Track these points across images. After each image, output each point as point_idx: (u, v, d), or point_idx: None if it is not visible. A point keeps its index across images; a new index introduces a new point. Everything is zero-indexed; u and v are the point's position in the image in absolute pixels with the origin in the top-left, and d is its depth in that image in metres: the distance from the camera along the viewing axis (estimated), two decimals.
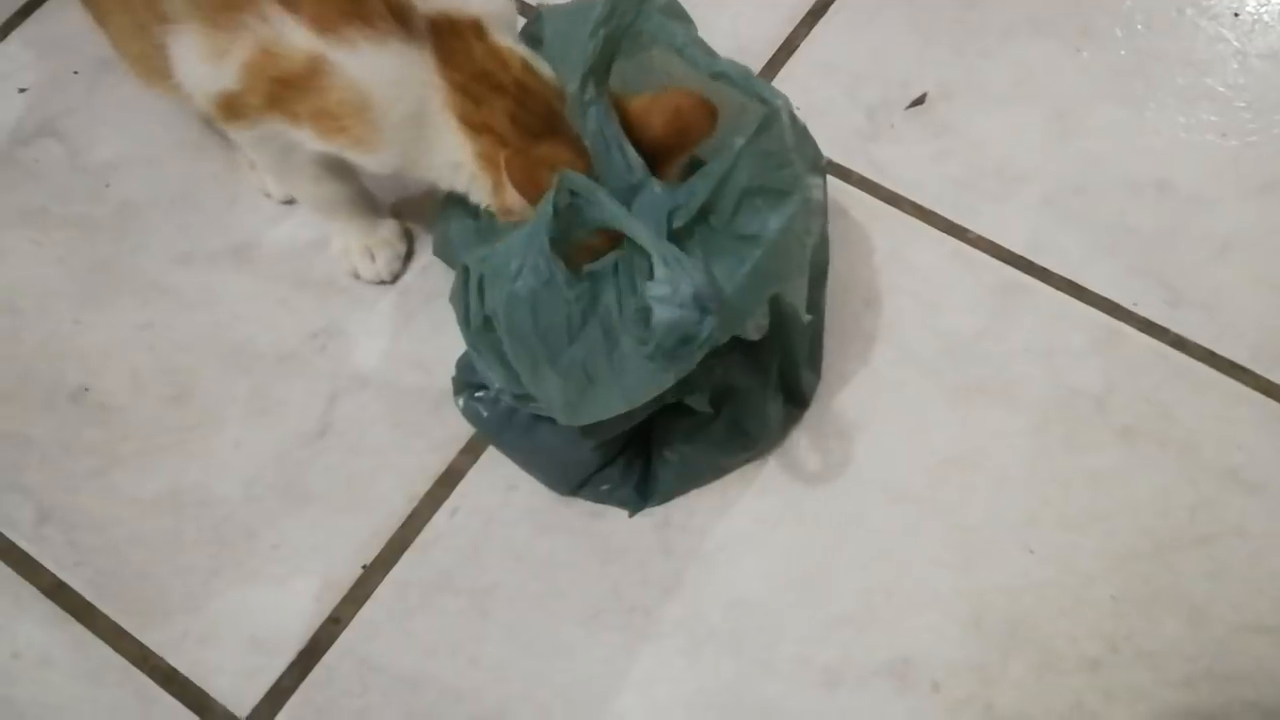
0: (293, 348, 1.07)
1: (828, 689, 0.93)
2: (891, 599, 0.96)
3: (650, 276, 0.76)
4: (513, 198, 0.83)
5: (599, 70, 0.83)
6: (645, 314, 0.76)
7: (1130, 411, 1.02)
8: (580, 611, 0.96)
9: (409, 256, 1.10)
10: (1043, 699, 0.92)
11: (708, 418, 0.95)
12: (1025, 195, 1.13)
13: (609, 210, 0.78)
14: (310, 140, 0.88)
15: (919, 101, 1.18)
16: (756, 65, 1.20)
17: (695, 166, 0.86)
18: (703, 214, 0.82)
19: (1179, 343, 1.05)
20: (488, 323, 0.87)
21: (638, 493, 0.99)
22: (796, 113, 0.89)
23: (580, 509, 1.00)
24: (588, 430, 0.92)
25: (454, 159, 0.88)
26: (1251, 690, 0.92)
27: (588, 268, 0.82)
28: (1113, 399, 1.03)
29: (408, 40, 0.84)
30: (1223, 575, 0.96)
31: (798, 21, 1.23)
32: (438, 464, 1.02)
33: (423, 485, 1.01)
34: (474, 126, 0.86)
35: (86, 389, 1.05)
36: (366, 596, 0.97)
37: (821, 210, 0.97)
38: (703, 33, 0.90)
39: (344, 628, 0.96)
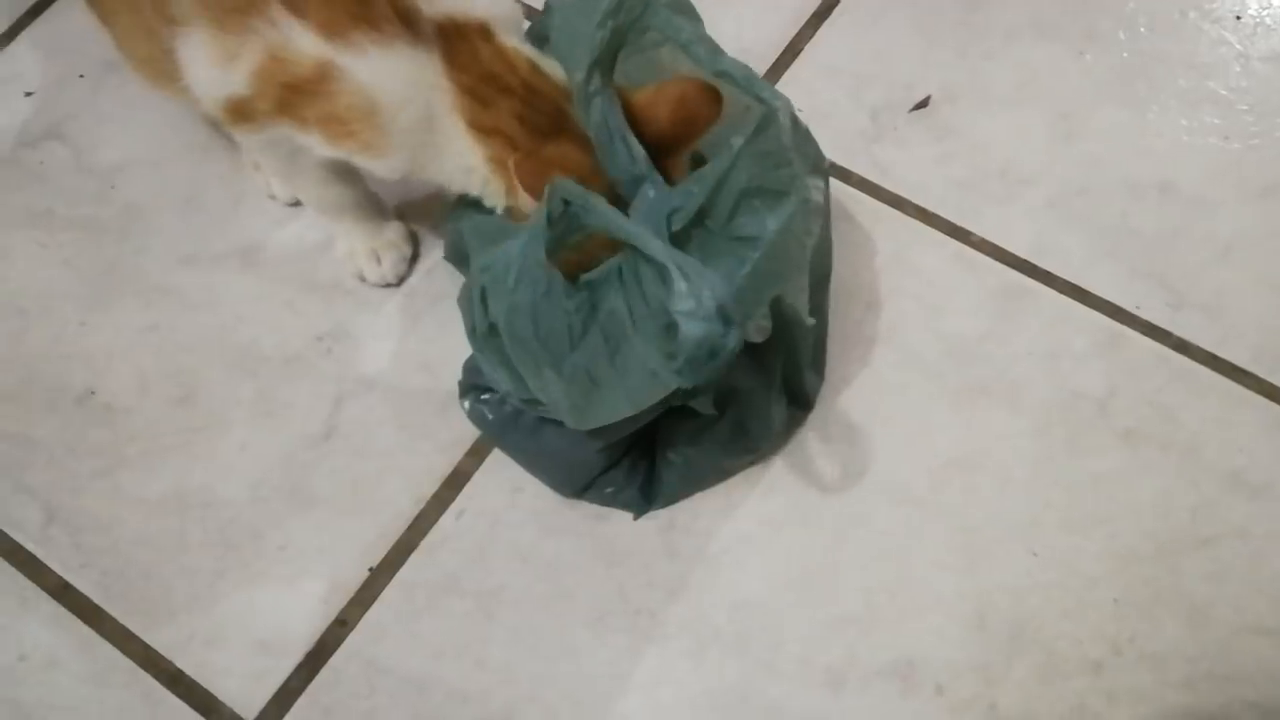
0: (298, 350, 1.07)
1: (831, 690, 0.93)
2: (895, 600, 0.96)
3: (660, 283, 0.77)
4: (525, 200, 0.83)
5: (605, 62, 0.84)
6: (669, 329, 0.76)
7: (1132, 414, 1.03)
8: (586, 614, 0.96)
9: (415, 259, 1.11)
10: (1046, 701, 0.93)
11: (711, 420, 0.96)
12: (1028, 198, 1.13)
13: (611, 220, 0.78)
14: (319, 145, 0.89)
15: (923, 104, 1.18)
16: (761, 67, 1.20)
17: (699, 163, 0.86)
18: (700, 216, 0.82)
19: (1181, 346, 1.05)
20: (493, 329, 0.88)
21: (642, 495, 0.99)
22: (799, 115, 0.89)
23: (585, 511, 1.00)
24: (593, 433, 0.92)
25: (465, 163, 0.88)
26: (1253, 691, 0.93)
27: (585, 276, 0.83)
28: (1115, 402, 1.03)
29: (415, 44, 0.84)
30: (1224, 577, 0.96)
31: (802, 24, 1.24)
32: (444, 466, 1.02)
33: (429, 487, 1.01)
34: (483, 130, 0.86)
35: (92, 391, 1.06)
36: (373, 598, 0.97)
37: (823, 212, 0.98)
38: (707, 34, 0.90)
39: (351, 630, 0.96)
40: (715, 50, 0.87)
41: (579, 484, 0.99)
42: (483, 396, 1.00)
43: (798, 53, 1.22)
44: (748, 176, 0.81)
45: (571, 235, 0.81)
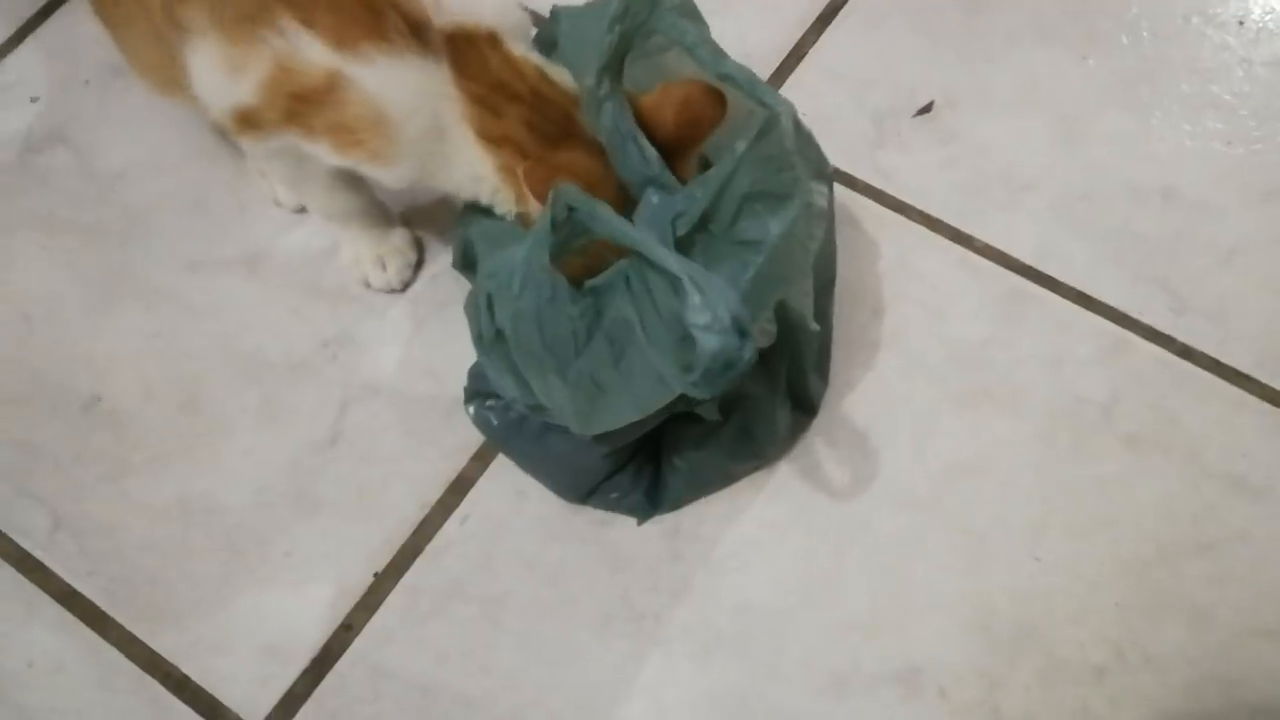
0: (304, 356, 1.07)
1: (835, 695, 0.93)
2: (898, 604, 0.97)
3: (670, 291, 0.77)
4: (535, 207, 0.83)
5: (614, 66, 0.84)
6: (684, 340, 0.76)
7: (1136, 419, 1.03)
8: (590, 618, 0.97)
9: (420, 265, 1.11)
10: (1049, 705, 0.93)
11: (716, 425, 0.96)
12: (1031, 203, 1.13)
13: (617, 228, 0.78)
14: (327, 154, 0.89)
15: (926, 109, 1.19)
16: (765, 72, 1.20)
17: (704, 167, 0.87)
18: (703, 221, 0.83)
19: (1184, 351, 1.06)
20: (499, 335, 0.88)
21: (647, 500, 1.00)
22: (803, 119, 0.90)
23: (590, 517, 1.00)
24: (598, 438, 0.93)
25: (475, 172, 0.88)
26: (1256, 694, 0.93)
27: (590, 282, 0.83)
28: (1118, 407, 1.03)
29: (424, 54, 0.84)
30: (1226, 581, 0.97)
31: (806, 28, 1.24)
32: (449, 472, 1.02)
33: (434, 493, 1.01)
34: (493, 139, 0.86)
35: (97, 397, 1.06)
36: (378, 604, 0.97)
37: (826, 217, 0.98)
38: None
39: (356, 635, 0.96)
40: (719, 54, 0.87)
41: (584, 489, 0.99)
42: (488, 402, 1.00)
43: (801, 57, 1.22)
44: (750, 181, 0.82)
45: (576, 241, 0.81)
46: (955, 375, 1.05)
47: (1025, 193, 1.14)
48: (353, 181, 1.01)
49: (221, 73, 0.87)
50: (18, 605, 0.98)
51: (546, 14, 0.97)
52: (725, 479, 1.01)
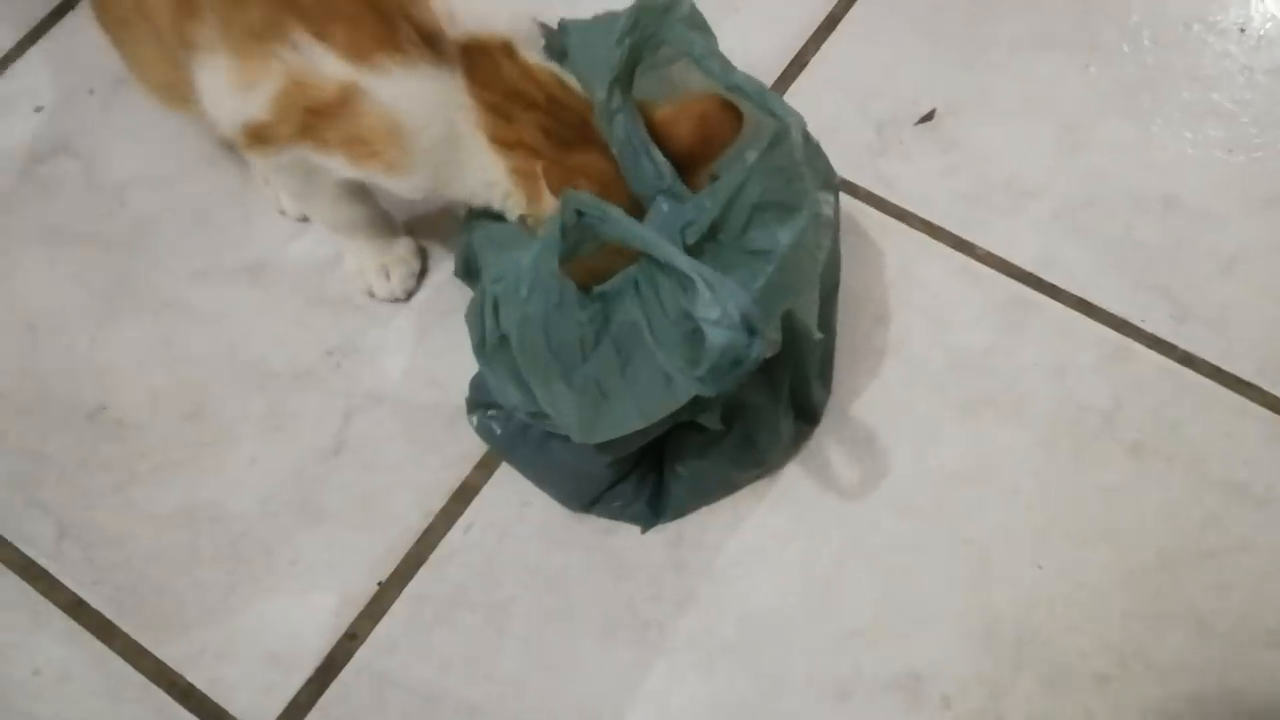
0: (308, 365, 1.08)
1: (839, 703, 0.94)
2: (902, 613, 0.97)
3: (678, 293, 0.77)
4: (551, 206, 0.84)
5: (624, 78, 0.84)
6: (694, 337, 0.76)
7: (1138, 427, 1.03)
8: (594, 627, 0.97)
9: (423, 274, 1.11)
10: (1052, 713, 0.93)
11: (719, 434, 0.96)
12: (1033, 210, 1.14)
13: (629, 231, 0.79)
14: (341, 167, 0.89)
15: (928, 117, 1.19)
16: (767, 81, 1.20)
17: (713, 177, 0.87)
18: (713, 230, 0.83)
19: (1186, 359, 1.06)
20: (503, 341, 0.88)
21: (650, 508, 1.00)
22: (809, 129, 0.90)
23: (593, 525, 1.01)
24: (601, 447, 0.93)
25: (487, 177, 0.89)
26: (1259, 702, 0.93)
27: (599, 288, 0.83)
28: (1121, 415, 1.04)
29: (438, 64, 0.85)
30: (1229, 589, 0.97)
31: (808, 37, 1.24)
32: (452, 480, 1.03)
33: (438, 501, 1.02)
34: (505, 144, 0.87)
35: (103, 406, 1.06)
36: (383, 612, 0.98)
37: (833, 226, 0.98)
38: None
39: (361, 643, 0.97)
40: (728, 65, 0.87)
41: (587, 498, 1.00)
42: (490, 412, 1.01)
43: (804, 66, 1.23)
44: (760, 191, 0.82)
45: (585, 246, 0.82)
46: (957, 383, 1.05)
47: (1027, 200, 1.14)
48: (359, 193, 1.01)
49: (232, 89, 0.87)
50: (24, 614, 0.98)
51: (554, 25, 0.97)
52: (728, 487, 1.01)
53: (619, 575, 0.99)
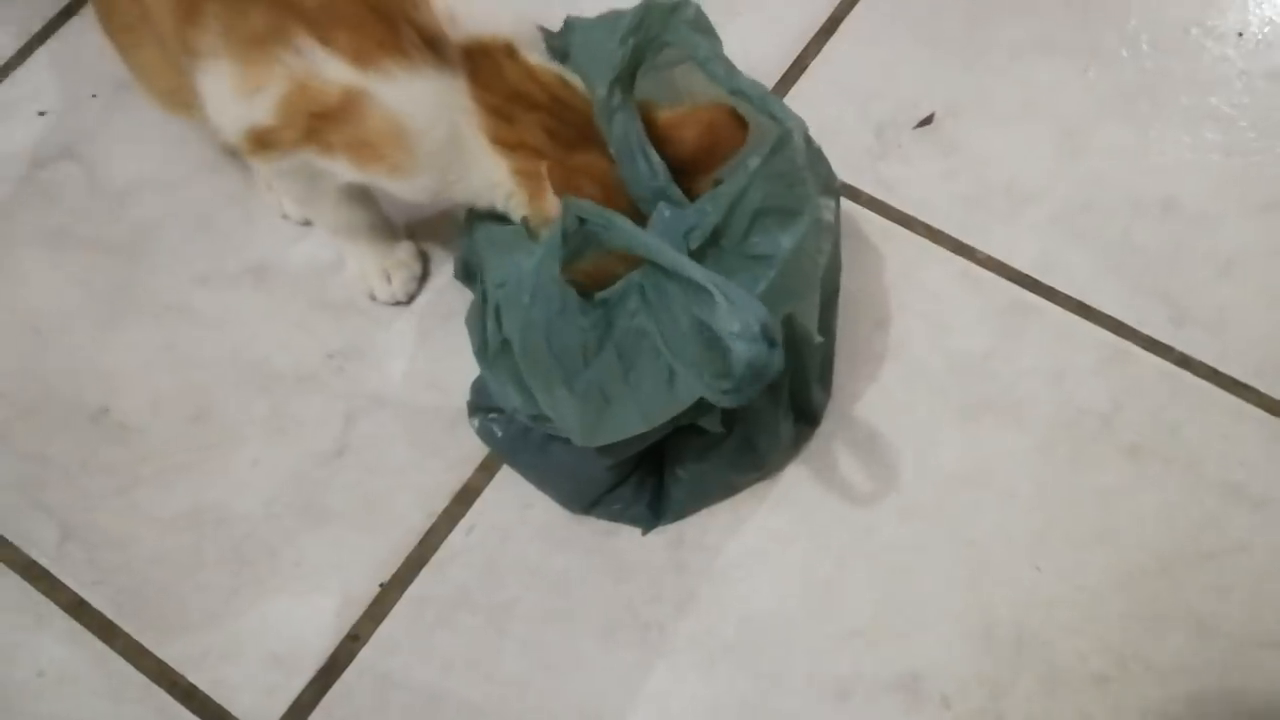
0: (310, 368, 1.08)
1: (839, 703, 0.94)
2: (901, 614, 0.97)
3: (684, 301, 0.77)
4: (554, 206, 0.84)
5: (626, 78, 0.85)
6: (713, 348, 0.76)
7: (1136, 430, 1.03)
8: (595, 628, 0.97)
9: (425, 277, 1.12)
10: (1051, 714, 0.93)
11: (720, 436, 0.96)
12: (1032, 214, 1.14)
13: (635, 239, 0.79)
14: (345, 170, 0.90)
15: (927, 121, 1.19)
16: (768, 84, 1.20)
17: (715, 183, 0.87)
18: (714, 236, 0.83)
19: (1184, 361, 1.06)
20: (505, 345, 0.89)
21: (650, 511, 1.00)
22: (810, 134, 0.91)
23: (594, 527, 1.01)
24: (602, 449, 0.93)
25: (490, 178, 0.89)
26: (1257, 704, 0.93)
27: (601, 294, 0.83)
28: (1119, 417, 1.04)
29: (440, 67, 0.85)
30: (1228, 591, 0.97)
31: (808, 40, 1.24)
32: (454, 482, 1.03)
33: (439, 503, 1.02)
34: (508, 145, 0.87)
35: (106, 409, 1.07)
36: (385, 613, 0.98)
37: (834, 231, 0.99)
38: None
39: (363, 644, 0.97)
40: (732, 69, 0.87)
41: (588, 500, 1.00)
42: (491, 415, 1.01)
43: (804, 69, 1.23)
44: (763, 196, 0.82)
45: (586, 251, 0.82)
46: (957, 386, 1.06)
47: (1026, 204, 1.15)
48: (361, 197, 1.01)
49: (236, 94, 0.88)
50: (27, 616, 0.98)
51: (555, 27, 0.98)
52: (728, 490, 1.02)
53: (620, 577, 0.99)
